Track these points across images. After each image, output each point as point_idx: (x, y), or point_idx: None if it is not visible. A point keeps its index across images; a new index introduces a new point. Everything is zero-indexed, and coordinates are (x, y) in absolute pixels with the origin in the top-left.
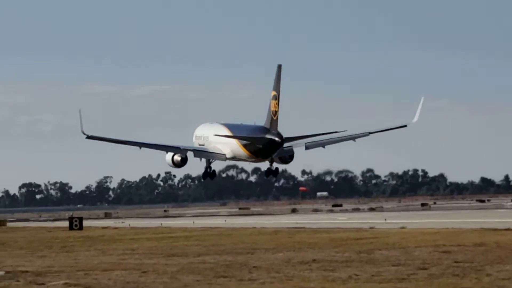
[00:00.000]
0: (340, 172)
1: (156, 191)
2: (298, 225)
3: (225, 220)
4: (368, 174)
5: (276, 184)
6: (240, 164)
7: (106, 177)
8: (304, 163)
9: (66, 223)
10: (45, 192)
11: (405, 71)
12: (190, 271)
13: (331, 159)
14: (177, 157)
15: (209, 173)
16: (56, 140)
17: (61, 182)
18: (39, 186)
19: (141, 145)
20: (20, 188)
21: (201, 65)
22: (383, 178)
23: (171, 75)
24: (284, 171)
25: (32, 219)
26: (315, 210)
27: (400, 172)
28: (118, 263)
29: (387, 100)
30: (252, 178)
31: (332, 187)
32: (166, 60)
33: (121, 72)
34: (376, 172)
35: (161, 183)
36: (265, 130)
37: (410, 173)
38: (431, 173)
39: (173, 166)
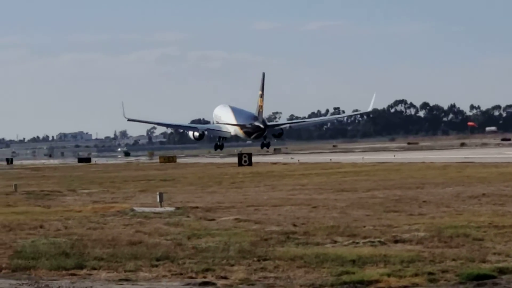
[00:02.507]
0: (509, 106)
1: (325, 126)
2: (467, 160)
3: (394, 155)
4: None
5: (444, 119)
6: (409, 99)
7: (275, 113)
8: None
9: (235, 159)
10: None
11: None
12: (360, 206)
13: (500, 94)
14: (196, 134)
15: (218, 145)
16: (225, 76)
17: None
18: (208, 122)
19: (168, 126)
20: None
21: None
22: None
23: (341, 11)
24: (453, 105)
25: (201, 155)
26: (484, 145)
27: None
28: (288, 199)
29: None
30: (421, 113)
31: (500, 122)
32: None
33: (288, 8)
34: None
35: None
36: (255, 118)
37: None
38: None
39: (194, 140)
